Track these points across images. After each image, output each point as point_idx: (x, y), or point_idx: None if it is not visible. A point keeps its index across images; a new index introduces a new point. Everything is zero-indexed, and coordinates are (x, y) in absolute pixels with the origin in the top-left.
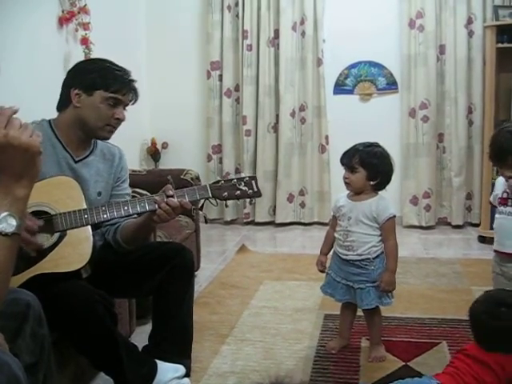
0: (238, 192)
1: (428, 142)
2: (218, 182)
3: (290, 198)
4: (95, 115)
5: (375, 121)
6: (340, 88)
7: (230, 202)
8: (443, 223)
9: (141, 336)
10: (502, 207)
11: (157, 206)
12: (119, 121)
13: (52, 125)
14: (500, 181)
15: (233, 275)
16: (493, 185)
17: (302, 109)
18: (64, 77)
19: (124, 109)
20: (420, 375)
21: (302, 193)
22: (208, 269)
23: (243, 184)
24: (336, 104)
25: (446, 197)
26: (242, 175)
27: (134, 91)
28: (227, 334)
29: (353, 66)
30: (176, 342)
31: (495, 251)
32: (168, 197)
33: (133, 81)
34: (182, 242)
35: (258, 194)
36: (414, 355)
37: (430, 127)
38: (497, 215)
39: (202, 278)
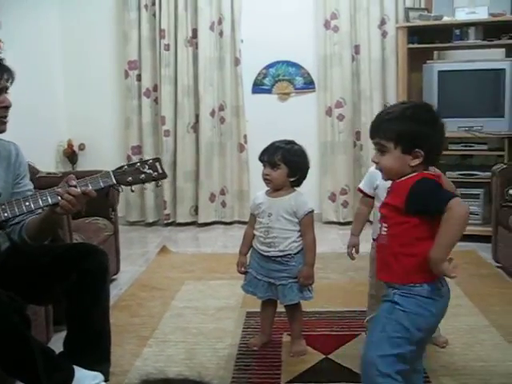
0: (143, 175)
1: (344, 140)
2: (121, 167)
3: (212, 198)
4: None
5: (293, 120)
6: (258, 87)
7: (150, 202)
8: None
9: (59, 343)
10: None
11: (59, 197)
12: (7, 108)
13: None
14: (378, 171)
15: (154, 277)
16: None
17: (222, 108)
18: None
19: (6, 92)
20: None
21: (222, 192)
22: (128, 271)
23: (147, 167)
24: (255, 103)
25: None
26: (146, 158)
27: (8, 71)
28: (148, 336)
29: (271, 65)
30: (92, 347)
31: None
32: (70, 187)
33: (1, 60)
34: (101, 245)
35: (163, 175)
36: (334, 347)
37: (346, 125)
38: None
39: (123, 281)
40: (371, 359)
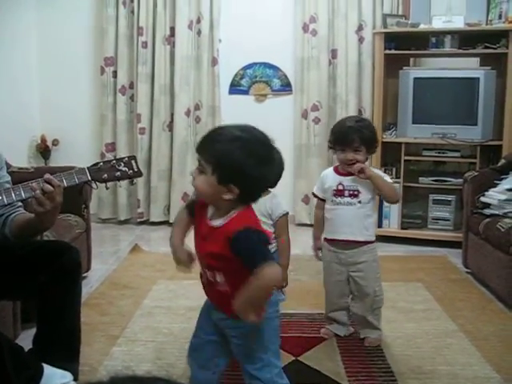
0: (118, 173)
1: (319, 143)
2: (96, 164)
3: (185, 198)
4: None
5: (269, 121)
6: (235, 88)
7: (123, 199)
8: None
9: (27, 340)
10: (339, 198)
11: (33, 192)
12: None
13: None
14: (328, 174)
15: (125, 275)
16: None
17: (197, 108)
18: None
19: None
20: (309, 368)
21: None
22: (100, 269)
23: (123, 165)
24: (231, 104)
25: None
26: (122, 156)
27: None
28: (118, 335)
29: (248, 66)
30: (62, 345)
31: (330, 240)
32: (45, 182)
33: None
34: (72, 242)
35: (138, 173)
36: (304, 349)
37: (322, 129)
38: (331, 206)
39: (93, 279)
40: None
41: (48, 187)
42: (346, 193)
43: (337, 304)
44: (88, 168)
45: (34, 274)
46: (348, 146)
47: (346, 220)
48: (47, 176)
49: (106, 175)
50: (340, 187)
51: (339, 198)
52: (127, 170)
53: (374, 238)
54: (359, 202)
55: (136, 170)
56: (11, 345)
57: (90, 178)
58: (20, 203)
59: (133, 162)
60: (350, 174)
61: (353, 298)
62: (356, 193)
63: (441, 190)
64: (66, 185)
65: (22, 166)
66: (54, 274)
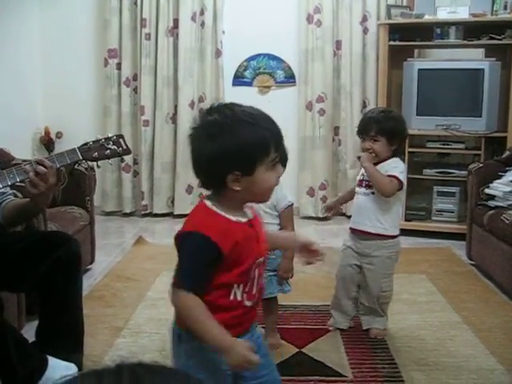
0: (108, 151)
1: (324, 135)
2: (86, 143)
3: (189, 190)
4: None
5: (273, 113)
6: (239, 80)
7: (127, 192)
8: (339, 214)
9: (31, 332)
10: (357, 188)
11: (27, 174)
12: None
13: None
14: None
15: (129, 267)
16: None
17: (201, 100)
18: None
19: None
20: (313, 360)
21: (200, 184)
22: (104, 262)
23: (111, 143)
24: (235, 96)
25: (342, 188)
26: (109, 135)
27: None
28: (122, 327)
29: (252, 58)
30: (65, 336)
31: (350, 228)
32: (38, 164)
33: None
34: (76, 235)
35: (127, 151)
36: (307, 341)
37: (326, 120)
38: (355, 196)
39: (97, 271)
40: None
41: (41, 169)
42: (364, 183)
43: (347, 290)
44: (78, 148)
45: (33, 266)
46: (366, 135)
47: (360, 210)
48: (39, 158)
49: (96, 154)
50: (360, 177)
51: (357, 188)
52: (116, 148)
53: (391, 233)
54: (372, 192)
55: (125, 147)
56: (16, 335)
57: (81, 158)
58: (11, 191)
59: (121, 140)
60: None
61: (361, 288)
62: (370, 183)
63: (445, 182)
64: (58, 165)
65: (25, 158)
66: (53, 265)
